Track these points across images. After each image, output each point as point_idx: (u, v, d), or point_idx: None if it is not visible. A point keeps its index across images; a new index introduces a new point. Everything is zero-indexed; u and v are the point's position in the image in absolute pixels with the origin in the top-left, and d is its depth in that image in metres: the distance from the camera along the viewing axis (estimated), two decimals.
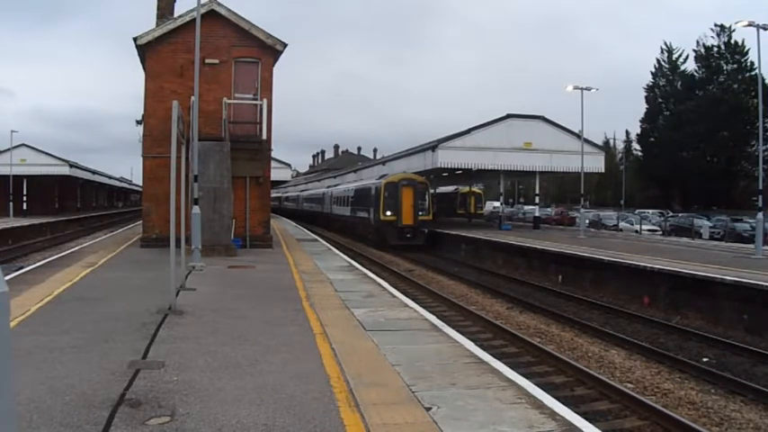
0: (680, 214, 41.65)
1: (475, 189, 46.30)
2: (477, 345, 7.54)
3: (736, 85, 54.18)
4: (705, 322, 13.00)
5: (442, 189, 47.83)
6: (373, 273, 15.16)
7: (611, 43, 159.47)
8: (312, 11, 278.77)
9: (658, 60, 62.26)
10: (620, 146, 75.59)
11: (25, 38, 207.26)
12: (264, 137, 18.95)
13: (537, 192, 38.00)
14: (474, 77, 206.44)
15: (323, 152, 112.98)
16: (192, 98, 14.82)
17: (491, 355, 7.06)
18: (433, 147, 31.57)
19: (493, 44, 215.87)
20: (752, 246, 20.35)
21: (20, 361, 5.69)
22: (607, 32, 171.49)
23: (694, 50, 58.44)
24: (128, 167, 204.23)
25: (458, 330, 8.48)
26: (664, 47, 62.16)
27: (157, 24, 20.21)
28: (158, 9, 21.09)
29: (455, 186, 47.51)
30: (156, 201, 18.51)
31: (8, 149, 41.64)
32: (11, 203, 41.69)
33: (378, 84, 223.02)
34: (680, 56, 61.07)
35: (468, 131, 31.34)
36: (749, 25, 19.07)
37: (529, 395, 5.38)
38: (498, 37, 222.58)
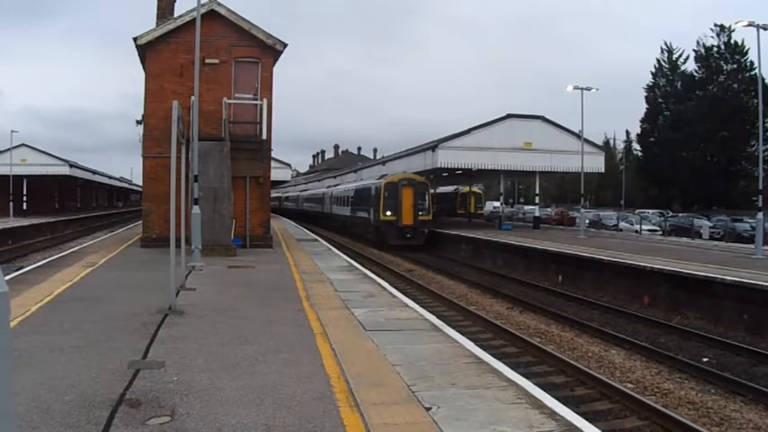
0: (680, 214, 41.60)
1: (475, 189, 46.29)
2: (477, 345, 7.54)
3: (736, 85, 54.14)
4: (705, 322, 12.99)
5: (441, 189, 47.80)
6: (373, 273, 15.15)
7: (612, 43, 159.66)
8: (307, 10, 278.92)
9: (658, 60, 62.32)
10: (620, 146, 75.61)
11: (10, 37, 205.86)
12: (264, 137, 18.95)
13: (537, 192, 37.99)
14: (474, 78, 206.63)
15: (323, 152, 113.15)
16: (192, 98, 14.82)
17: (491, 355, 7.06)
18: (433, 147, 31.56)
19: (492, 44, 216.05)
20: (752, 246, 20.34)
21: (20, 361, 5.69)
22: (607, 32, 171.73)
23: (694, 50, 58.50)
24: (122, 167, 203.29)
25: (458, 330, 8.49)
26: (664, 47, 62.25)
27: (157, 24, 20.21)
28: (158, 9, 21.09)
29: (455, 186, 47.49)
30: (156, 201, 18.51)
31: (8, 149, 41.63)
32: (11, 203, 41.69)
33: (377, 84, 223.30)
34: (680, 56, 61.15)
35: (468, 131, 31.34)
36: (749, 25, 19.06)
37: (529, 395, 5.38)
38: (497, 37, 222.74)
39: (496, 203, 43.62)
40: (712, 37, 56.66)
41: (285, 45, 19.91)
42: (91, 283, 11.43)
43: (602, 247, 21.57)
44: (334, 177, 59.11)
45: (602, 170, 34.61)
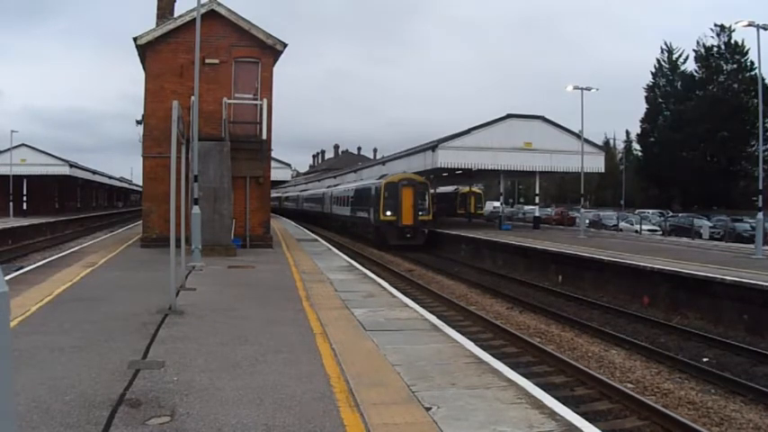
0: (680, 214, 41.60)
1: (475, 189, 46.30)
2: (477, 345, 7.54)
3: (736, 85, 54.14)
4: (705, 322, 13.00)
5: (441, 189, 47.80)
6: (373, 273, 15.15)
7: (612, 43, 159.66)
8: (307, 10, 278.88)
9: (658, 60, 62.33)
10: (620, 146, 75.65)
11: (10, 37, 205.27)
12: (264, 137, 18.96)
13: (537, 192, 38.00)
14: (474, 78, 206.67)
15: (323, 152, 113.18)
16: (192, 98, 14.82)
17: (491, 355, 7.06)
18: (433, 147, 31.57)
19: (492, 44, 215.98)
20: (752, 246, 20.33)
21: (20, 361, 5.69)
22: (607, 32, 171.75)
23: (694, 50, 58.50)
24: (122, 167, 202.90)
25: (458, 330, 8.49)
26: (664, 47, 62.30)
27: (157, 24, 20.21)
28: (158, 9, 21.09)
29: (455, 186, 47.50)
30: (157, 201, 18.51)
31: (8, 149, 41.63)
32: (11, 203, 41.68)
33: (377, 84, 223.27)
34: (680, 56, 61.18)
35: (468, 131, 31.34)
36: (749, 25, 19.06)
37: (529, 395, 5.38)
38: (497, 37, 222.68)
39: (496, 203, 43.63)
40: (712, 37, 56.76)
41: (285, 45, 19.92)
42: (91, 283, 11.43)
43: (602, 247, 21.56)
44: (334, 177, 59.10)
45: (602, 170, 34.62)
